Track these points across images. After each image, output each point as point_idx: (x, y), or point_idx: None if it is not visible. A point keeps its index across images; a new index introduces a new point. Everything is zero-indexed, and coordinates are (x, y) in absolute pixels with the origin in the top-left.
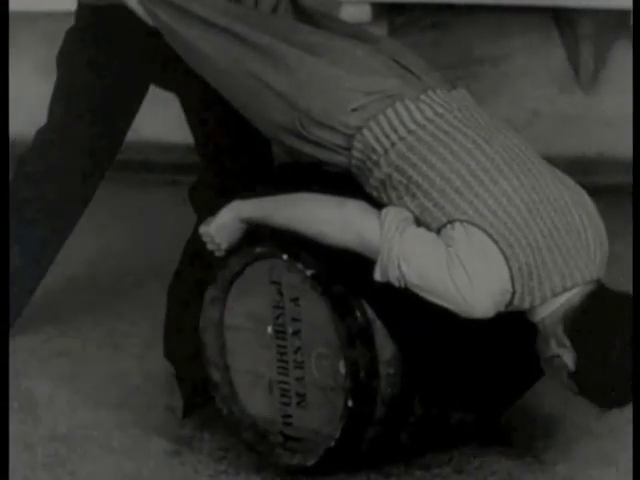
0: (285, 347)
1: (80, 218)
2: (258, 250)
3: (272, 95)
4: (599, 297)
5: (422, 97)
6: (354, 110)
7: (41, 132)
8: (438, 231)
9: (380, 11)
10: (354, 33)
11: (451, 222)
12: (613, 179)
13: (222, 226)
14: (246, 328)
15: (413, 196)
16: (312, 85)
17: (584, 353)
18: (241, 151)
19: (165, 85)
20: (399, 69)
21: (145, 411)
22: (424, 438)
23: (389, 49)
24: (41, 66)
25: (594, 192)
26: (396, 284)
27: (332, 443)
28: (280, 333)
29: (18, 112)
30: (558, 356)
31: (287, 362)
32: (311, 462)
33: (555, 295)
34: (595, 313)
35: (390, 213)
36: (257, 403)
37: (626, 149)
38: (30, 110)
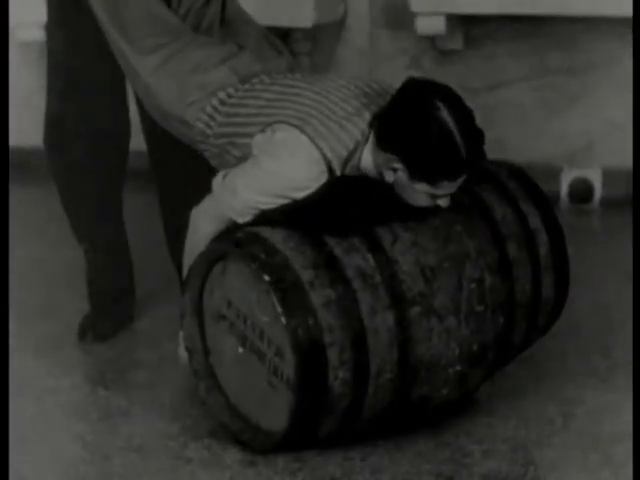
0: (258, 349)
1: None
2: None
3: (140, 93)
4: (390, 108)
5: (245, 82)
6: (190, 105)
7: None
8: None
9: (455, 23)
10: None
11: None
12: None
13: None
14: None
15: (237, 146)
16: (160, 88)
17: (405, 151)
18: None
19: None
20: (235, 60)
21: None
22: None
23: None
24: None
25: None
26: (254, 212)
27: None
28: (250, 345)
29: None
30: (394, 170)
31: (267, 359)
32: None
33: (357, 140)
34: (393, 117)
35: (214, 179)
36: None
37: None
38: None
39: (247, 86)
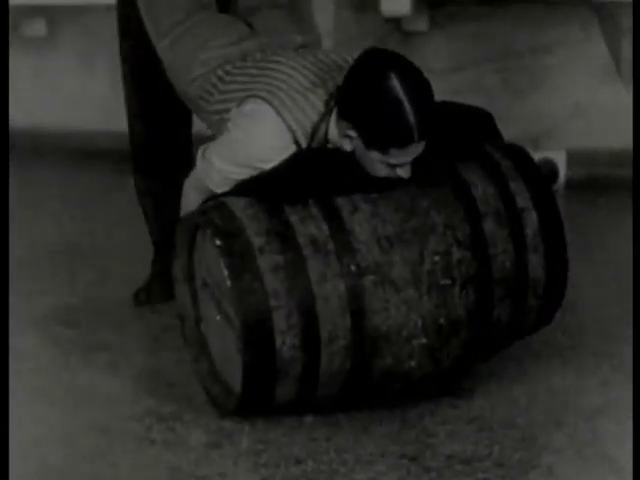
0: (227, 315)
1: None
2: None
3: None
4: (347, 78)
5: (247, 58)
6: (193, 81)
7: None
8: None
9: (420, 4)
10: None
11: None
12: None
13: None
14: (208, 285)
15: (225, 121)
16: (172, 65)
17: (357, 119)
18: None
19: None
20: (245, 36)
21: (185, 404)
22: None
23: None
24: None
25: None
26: (230, 183)
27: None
28: (223, 312)
29: (60, 104)
30: (351, 138)
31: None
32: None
33: (321, 112)
34: (349, 86)
35: (198, 152)
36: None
37: None
38: (73, 102)
39: (241, 63)
